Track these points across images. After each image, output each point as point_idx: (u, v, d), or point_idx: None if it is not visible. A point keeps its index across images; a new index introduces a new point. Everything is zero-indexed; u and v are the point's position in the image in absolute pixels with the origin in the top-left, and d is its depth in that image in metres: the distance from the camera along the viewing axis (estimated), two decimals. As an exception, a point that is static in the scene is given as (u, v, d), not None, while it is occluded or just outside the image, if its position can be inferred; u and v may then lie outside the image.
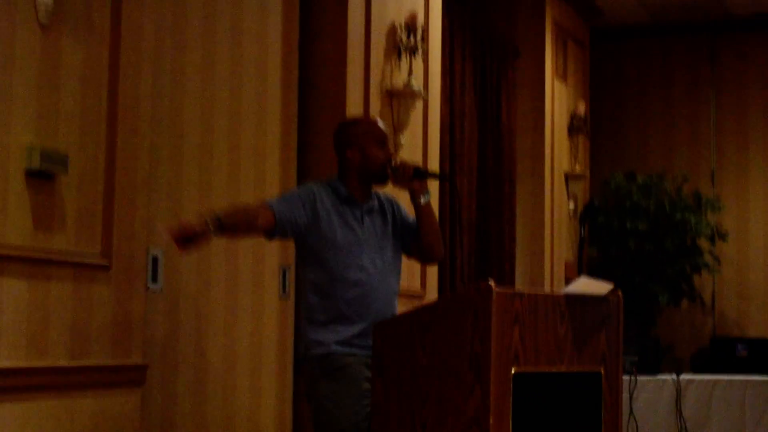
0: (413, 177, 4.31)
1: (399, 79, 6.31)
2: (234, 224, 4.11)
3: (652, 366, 8.08)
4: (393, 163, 4.33)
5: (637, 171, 10.20)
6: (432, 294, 6.59)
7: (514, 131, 8.85)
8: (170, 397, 4.79)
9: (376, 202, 4.35)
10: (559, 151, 9.47)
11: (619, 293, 4.22)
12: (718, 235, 9.96)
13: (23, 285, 3.82)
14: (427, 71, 6.74)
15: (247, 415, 5.07)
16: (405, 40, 6.27)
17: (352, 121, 4.66)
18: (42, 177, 3.92)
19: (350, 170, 4.32)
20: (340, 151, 4.37)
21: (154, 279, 4.68)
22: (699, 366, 9.64)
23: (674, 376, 7.88)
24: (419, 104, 6.58)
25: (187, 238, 3.94)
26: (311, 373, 4.19)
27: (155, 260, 4.69)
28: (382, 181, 4.36)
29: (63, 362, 3.99)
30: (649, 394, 7.82)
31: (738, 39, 10.50)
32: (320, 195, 4.24)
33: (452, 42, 7.74)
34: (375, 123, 4.47)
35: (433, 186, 6.74)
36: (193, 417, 4.86)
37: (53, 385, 3.95)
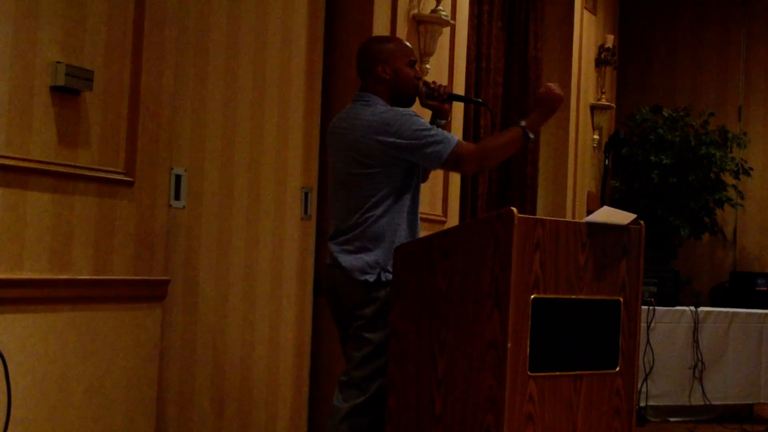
0: (447, 99, 4.30)
1: (427, 6, 6.27)
2: None
3: (670, 298, 8.10)
4: (431, 83, 4.31)
5: (663, 104, 10.15)
6: (453, 221, 6.61)
7: (541, 61, 8.80)
8: (191, 312, 4.85)
9: None
10: (585, 82, 9.42)
11: (642, 223, 4.22)
12: (742, 170, 9.92)
13: (47, 198, 3.85)
14: (455, -2, 6.70)
15: (267, 333, 5.12)
16: (434, -34, 6.22)
17: (380, 38, 4.55)
18: (67, 93, 3.93)
19: (381, 88, 4.23)
20: (369, 68, 4.26)
21: (177, 197, 4.71)
22: (718, 299, 9.65)
23: (692, 308, 7.90)
24: (446, 32, 6.54)
25: None
26: (384, 299, 4.09)
27: (178, 178, 4.71)
28: (410, 102, 4.30)
29: (85, 275, 4.03)
30: (666, 324, 7.85)
31: (771, -27, 10.37)
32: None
33: (481, -31, 7.66)
34: (404, 42, 4.41)
35: (458, 111, 6.72)
36: (213, 332, 4.92)
37: (75, 297, 3.99)
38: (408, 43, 4.41)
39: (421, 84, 4.29)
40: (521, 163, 8.48)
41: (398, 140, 4.04)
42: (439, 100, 4.31)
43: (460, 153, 4.06)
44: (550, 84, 4.29)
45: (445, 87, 4.34)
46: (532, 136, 4.15)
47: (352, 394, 4.10)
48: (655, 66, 10.68)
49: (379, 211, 4.11)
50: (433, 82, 4.35)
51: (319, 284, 5.42)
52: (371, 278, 4.08)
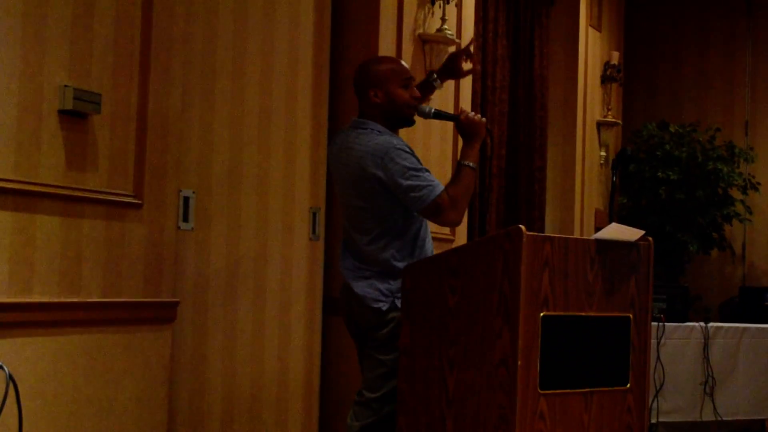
0: (433, 117, 4.25)
1: (432, 26, 6.28)
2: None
3: (680, 314, 8.08)
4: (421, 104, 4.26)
5: (670, 120, 10.15)
6: (461, 239, 6.60)
7: (547, 79, 8.81)
8: (201, 334, 4.85)
9: None
10: (591, 99, 9.42)
11: (650, 239, 4.21)
12: (750, 185, 9.91)
13: (56, 222, 3.86)
14: (461, 18, 6.71)
15: (276, 354, 5.11)
16: (439, -14, 6.23)
17: (373, 60, 4.47)
18: (75, 116, 3.95)
19: (374, 112, 4.20)
20: (361, 93, 4.24)
21: (185, 219, 4.72)
22: (727, 315, 9.62)
23: (702, 324, 7.89)
24: (452, 51, 6.54)
25: None
26: (397, 321, 4.08)
27: (186, 200, 4.73)
28: (408, 124, 4.28)
29: (95, 298, 4.04)
30: (676, 340, 7.82)
31: (775, -12, 10.38)
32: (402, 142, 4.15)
33: (486, -12, 7.69)
34: (398, 62, 4.33)
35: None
36: (222, 354, 4.92)
37: (85, 320, 4.00)
38: (403, 63, 4.32)
39: (413, 108, 4.21)
40: (529, 180, 8.49)
41: (385, 175, 4.02)
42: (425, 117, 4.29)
43: (441, 203, 3.99)
44: (464, 110, 4.24)
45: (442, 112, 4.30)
46: (474, 166, 4.11)
47: (365, 414, 4.10)
48: (661, 82, 10.69)
49: (385, 241, 4.11)
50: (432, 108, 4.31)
51: (329, 304, 5.42)
52: (384, 306, 4.09)
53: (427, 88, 4.56)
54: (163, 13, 4.33)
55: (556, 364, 3.83)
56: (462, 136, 4.17)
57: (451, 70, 4.58)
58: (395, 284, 4.09)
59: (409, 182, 4.00)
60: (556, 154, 9.05)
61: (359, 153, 4.08)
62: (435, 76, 4.56)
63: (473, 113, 4.16)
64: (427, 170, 4.07)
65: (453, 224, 4.20)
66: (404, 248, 4.12)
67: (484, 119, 4.15)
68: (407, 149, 4.07)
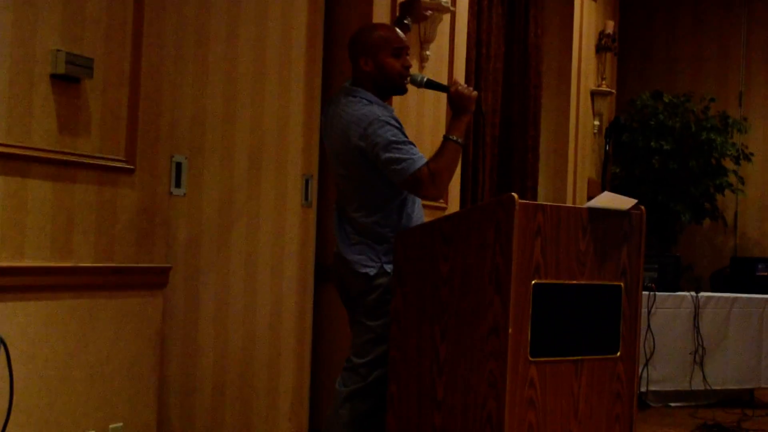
0: (426, 86, 4.22)
1: (426, -8, 6.26)
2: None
3: (671, 283, 8.11)
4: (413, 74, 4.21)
5: (664, 90, 10.14)
6: (454, 207, 6.61)
7: (542, 48, 8.79)
8: (192, 300, 4.86)
9: None
10: (585, 68, 9.41)
11: (642, 209, 4.22)
12: (743, 156, 9.93)
13: (48, 186, 3.85)
14: (455, -16, 6.69)
15: (268, 320, 5.12)
16: (434, -47, 6.20)
17: (366, 28, 4.41)
18: (67, 81, 3.93)
19: (365, 80, 4.17)
20: (353, 60, 4.21)
21: (178, 184, 4.72)
22: (718, 285, 9.66)
23: (693, 293, 7.91)
24: (447, 18, 6.53)
25: None
26: (385, 287, 4.09)
27: (179, 166, 4.72)
28: (400, 92, 4.25)
29: (87, 263, 4.04)
30: (667, 310, 7.85)
31: (772, -42, 10.35)
32: (391, 116, 4.09)
33: (481, -45, 7.65)
34: (391, 30, 4.26)
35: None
36: (214, 319, 4.93)
37: (77, 285, 4.00)
38: (398, 31, 4.26)
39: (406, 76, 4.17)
40: (522, 149, 8.49)
41: (366, 146, 4.00)
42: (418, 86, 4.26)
43: (420, 177, 3.94)
44: (457, 82, 4.17)
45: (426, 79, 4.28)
46: (461, 141, 4.05)
47: (353, 380, 4.12)
48: (655, 52, 10.68)
49: (369, 209, 4.11)
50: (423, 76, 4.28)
51: (321, 271, 5.43)
52: (372, 271, 4.10)
53: (401, 29, 4.48)
54: (156, -23, 4.31)
55: (547, 332, 3.84)
56: (451, 109, 4.13)
57: (413, 14, 4.55)
58: (382, 249, 4.09)
59: (388, 154, 3.97)
60: (549, 123, 9.05)
61: (345, 122, 4.07)
62: (408, 19, 4.51)
63: (465, 86, 4.11)
64: (411, 143, 4.02)
65: (433, 198, 4.16)
66: (389, 216, 4.12)
67: (475, 93, 4.09)
68: (393, 121, 4.04)
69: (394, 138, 3.98)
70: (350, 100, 4.13)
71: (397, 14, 4.98)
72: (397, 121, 4.07)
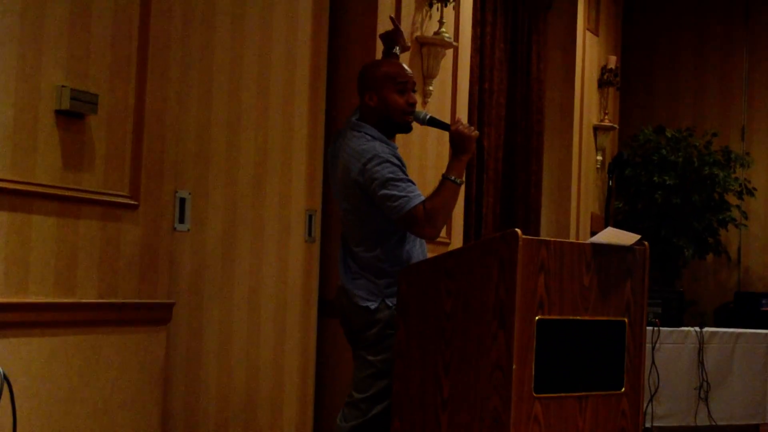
0: (428, 124, 4.21)
1: (430, 28, 6.29)
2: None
3: (675, 319, 8.09)
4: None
5: (666, 125, 10.16)
6: (457, 242, 6.61)
7: (544, 83, 8.82)
8: (196, 335, 4.85)
9: None
10: (588, 103, 9.44)
11: (646, 244, 4.22)
12: (746, 190, 9.93)
13: (52, 222, 3.85)
14: (458, 21, 6.72)
15: (271, 355, 5.11)
16: (436, -11, 6.24)
17: (373, 63, 4.42)
18: (72, 116, 3.94)
19: (369, 116, 4.16)
20: (360, 95, 4.21)
21: (181, 220, 4.72)
22: (722, 320, 9.64)
23: (697, 329, 7.89)
24: (449, 54, 6.56)
25: None
26: (385, 322, 4.08)
27: (183, 201, 4.73)
28: (404, 130, 4.24)
29: (90, 299, 4.03)
30: (671, 345, 7.83)
31: (772, -6, 10.39)
32: (392, 153, 4.07)
33: (483, -9, 7.69)
34: (396, 65, 4.24)
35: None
36: (218, 355, 4.92)
37: (80, 321, 4.00)
38: (404, 67, 4.25)
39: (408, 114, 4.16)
40: (524, 184, 8.49)
41: (365, 182, 4.00)
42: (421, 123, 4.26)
43: (416, 215, 3.93)
44: (459, 121, 4.15)
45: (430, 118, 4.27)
46: (460, 181, 4.04)
47: (354, 415, 4.10)
48: (657, 87, 10.70)
49: (370, 243, 4.10)
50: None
51: (324, 306, 5.42)
52: (372, 305, 4.09)
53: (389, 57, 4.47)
54: (160, 13, 4.34)
55: (551, 367, 3.83)
56: (452, 148, 4.12)
57: (398, 43, 4.51)
58: (383, 283, 4.09)
59: (385, 191, 3.96)
60: (552, 158, 9.06)
61: (347, 156, 4.08)
62: (396, 48, 4.46)
63: (466, 125, 4.09)
64: (410, 181, 4.01)
65: (428, 238, 4.13)
66: (389, 252, 4.11)
67: (476, 133, 4.08)
68: (393, 159, 4.03)
69: (391, 175, 3.98)
70: (354, 134, 4.13)
71: (424, 71, 5.00)
72: (398, 159, 4.07)
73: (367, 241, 4.11)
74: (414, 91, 4.22)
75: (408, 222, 3.98)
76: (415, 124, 4.26)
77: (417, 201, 3.95)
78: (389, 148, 4.09)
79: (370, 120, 4.17)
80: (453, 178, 4.02)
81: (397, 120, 4.17)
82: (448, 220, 4.09)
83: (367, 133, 4.12)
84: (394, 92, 4.15)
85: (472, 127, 4.11)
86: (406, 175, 4.04)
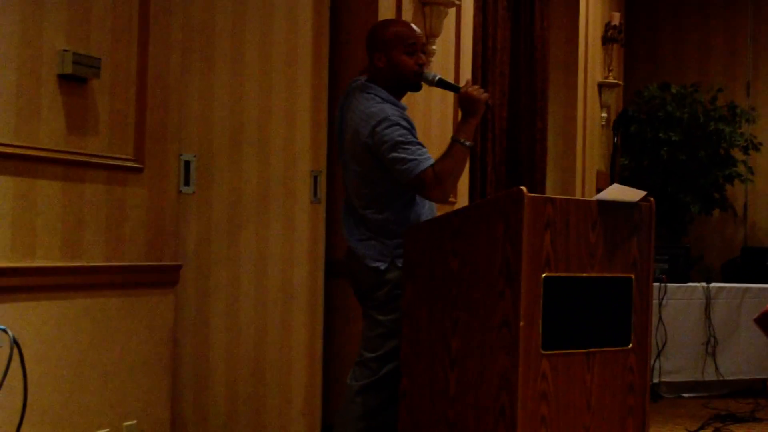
0: (437, 85, 4.19)
1: (432, -14, 6.25)
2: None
3: (682, 275, 8.10)
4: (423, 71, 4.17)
5: (671, 81, 10.12)
6: (463, 202, 6.60)
7: (548, 40, 8.77)
8: (203, 298, 4.86)
9: None
10: (592, 60, 9.40)
11: (652, 200, 4.21)
12: (752, 145, 9.90)
13: (57, 187, 3.86)
14: (461, -22, 6.68)
15: (279, 316, 5.13)
16: (439, -53, 6.20)
17: (383, 23, 4.40)
18: (74, 81, 3.94)
19: (378, 76, 4.16)
20: (368, 55, 4.20)
21: (186, 182, 4.73)
22: (729, 275, 9.64)
23: (704, 284, 7.90)
24: (452, 13, 6.52)
25: None
26: (395, 282, 4.08)
27: (187, 164, 4.73)
28: (413, 89, 4.23)
29: (98, 262, 4.05)
30: (678, 301, 7.85)
31: (778, -53, 10.32)
32: (401, 115, 4.06)
33: (486, -52, 7.65)
34: (406, 26, 4.24)
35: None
36: (226, 317, 4.94)
37: (88, 284, 4.01)
38: (413, 27, 4.23)
39: (418, 74, 4.14)
40: (529, 142, 8.48)
41: (374, 144, 3.99)
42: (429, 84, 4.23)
43: (425, 179, 3.93)
44: (468, 83, 4.14)
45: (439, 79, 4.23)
46: (469, 144, 4.03)
47: (364, 374, 4.12)
48: (662, 43, 10.65)
49: (380, 205, 4.10)
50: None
51: (331, 266, 5.43)
52: (382, 266, 4.09)
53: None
54: (161, -24, 4.32)
55: (559, 324, 3.84)
56: (461, 110, 4.12)
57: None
58: (393, 244, 4.09)
59: (394, 154, 3.96)
60: (557, 116, 9.04)
61: (357, 118, 4.07)
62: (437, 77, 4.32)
63: (476, 87, 4.08)
64: (420, 144, 4.01)
65: (438, 201, 4.12)
66: (400, 212, 4.11)
67: (485, 95, 4.07)
68: (402, 121, 4.02)
69: (401, 138, 3.97)
70: (364, 96, 4.12)
71: (427, 29, 4.93)
72: (408, 121, 4.06)
73: (376, 204, 4.11)
74: (424, 52, 4.20)
75: (417, 185, 3.98)
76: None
77: (426, 164, 3.94)
78: (399, 110, 4.08)
79: (379, 81, 4.16)
80: (462, 140, 4.02)
81: (406, 81, 4.16)
82: (457, 183, 4.08)
83: (376, 95, 4.11)
84: (403, 53, 4.13)
85: (482, 90, 4.10)
86: (416, 137, 4.03)
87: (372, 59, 4.18)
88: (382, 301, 4.11)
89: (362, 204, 4.14)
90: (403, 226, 4.10)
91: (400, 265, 4.08)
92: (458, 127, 4.08)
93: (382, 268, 4.09)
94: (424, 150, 4.00)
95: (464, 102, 4.08)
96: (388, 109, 4.04)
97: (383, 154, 3.98)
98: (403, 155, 3.95)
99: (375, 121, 4.00)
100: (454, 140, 4.03)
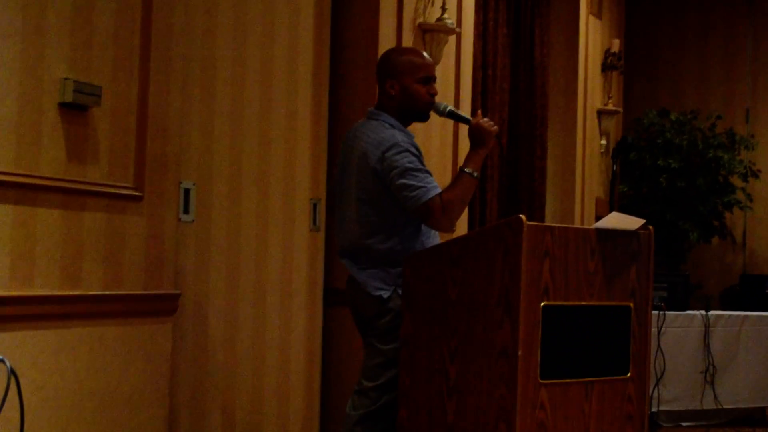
0: (447, 116, 4.21)
1: (432, 14, 6.28)
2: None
3: (681, 302, 8.09)
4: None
5: (670, 108, 10.14)
6: (462, 229, 6.61)
7: (548, 68, 8.80)
8: (202, 326, 4.86)
9: None
10: (592, 87, 9.42)
11: (650, 228, 4.21)
12: (751, 173, 9.91)
13: (57, 215, 3.86)
14: (461, 7, 6.71)
15: (277, 345, 5.12)
16: (438, -25, 6.24)
17: (397, 50, 4.41)
18: (75, 109, 3.95)
19: (389, 104, 4.16)
20: (380, 82, 4.19)
21: (186, 210, 4.73)
22: (728, 303, 9.64)
23: (703, 312, 7.90)
24: (452, 40, 6.55)
25: None
26: (396, 311, 4.07)
27: (187, 192, 4.73)
28: (422, 119, 4.24)
29: (96, 290, 4.04)
30: (677, 329, 7.83)
31: (776, -26, 10.37)
32: (411, 143, 4.07)
33: (486, -23, 7.68)
34: (420, 55, 4.22)
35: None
36: (224, 345, 4.93)
37: (87, 313, 4.01)
38: (426, 56, 4.24)
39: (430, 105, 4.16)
40: (529, 170, 8.49)
41: (383, 171, 4.00)
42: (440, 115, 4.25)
43: (432, 207, 3.94)
44: (479, 115, 4.15)
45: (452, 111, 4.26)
46: (477, 175, 4.06)
47: (363, 404, 4.11)
48: (661, 70, 10.68)
49: (386, 233, 4.08)
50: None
51: (330, 295, 5.43)
52: (385, 294, 4.08)
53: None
54: (163, 5, 4.34)
55: (557, 353, 3.84)
56: (470, 141, 4.13)
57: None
58: (396, 272, 4.08)
59: (403, 180, 3.96)
60: (556, 143, 9.05)
61: (365, 144, 4.06)
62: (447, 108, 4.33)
63: (486, 120, 4.10)
64: (428, 172, 4.02)
65: (444, 230, 4.12)
66: (405, 242, 4.10)
67: (496, 128, 4.09)
68: (412, 149, 4.03)
69: (410, 165, 3.98)
70: (373, 123, 4.13)
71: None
72: (416, 149, 4.06)
73: (381, 232, 4.08)
74: (434, 81, 4.21)
75: (424, 213, 3.98)
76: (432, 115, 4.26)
77: (434, 192, 3.95)
78: (408, 137, 4.10)
79: (388, 108, 4.16)
80: (470, 171, 4.04)
81: (417, 110, 4.18)
82: (462, 212, 4.09)
83: (385, 121, 4.12)
84: (416, 82, 4.14)
85: (492, 122, 4.11)
86: (424, 165, 4.04)
87: (383, 86, 4.18)
88: (383, 330, 4.10)
89: (366, 232, 4.11)
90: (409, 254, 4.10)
91: (400, 293, 4.08)
92: (467, 158, 4.10)
93: (385, 296, 4.08)
94: (431, 178, 4.01)
95: (475, 134, 4.09)
96: (399, 136, 4.05)
97: (392, 180, 3.99)
98: (411, 182, 3.96)
99: (385, 146, 4.01)
100: (462, 170, 4.04)
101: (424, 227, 4.14)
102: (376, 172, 4.02)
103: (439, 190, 3.97)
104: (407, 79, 4.13)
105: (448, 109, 4.20)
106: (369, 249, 4.11)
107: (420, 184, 3.96)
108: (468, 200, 4.08)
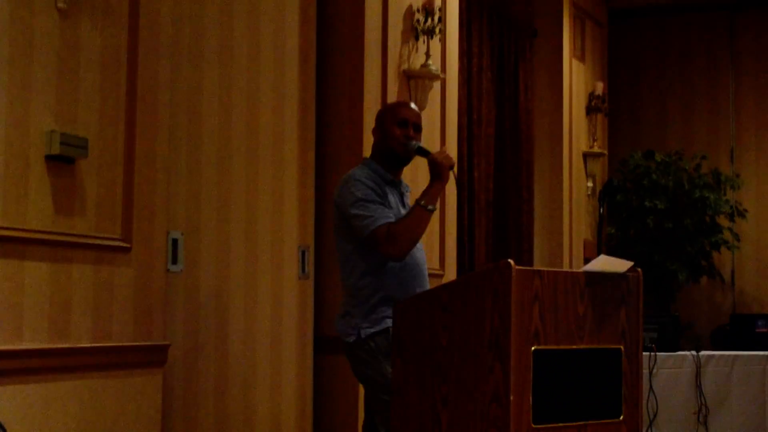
0: (416, 153, 4.29)
1: (417, 61, 6.31)
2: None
3: (671, 343, 8.07)
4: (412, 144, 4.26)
5: (655, 149, 10.19)
6: (451, 273, 6.61)
7: (532, 111, 8.85)
8: (192, 377, 4.83)
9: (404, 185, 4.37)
10: (577, 130, 9.46)
11: (639, 270, 4.22)
12: (737, 212, 9.94)
13: (45, 268, 3.85)
14: (445, 53, 6.75)
15: (268, 394, 5.10)
16: (422, 22, 6.27)
17: (388, 104, 4.65)
18: (62, 161, 3.95)
19: (374, 151, 4.32)
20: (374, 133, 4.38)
21: (174, 261, 4.72)
22: (719, 342, 9.63)
23: (694, 353, 7.88)
24: (437, 86, 6.58)
25: None
26: (368, 352, 4.13)
27: (175, 242, 4.73)
28: (402, 161, 4.31)
29: (85, 343, 4.02)
30: (668, 370, 7.81)
31: (757, 16, 10.45)
32: (376, 182, 4.17)
33: (470, 23, 7.73)
34: (399, 103, 4.44)
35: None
36: (214, 396, 4.90)
37: (76, 366, 3.98)
38: (411, 106, 4.39)
39: (405, 146, 4.25)
40: (516, 213, 8.50)
41: (341, 204, 4.14)
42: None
43: (378, 235, 4.04)
44: (441, 150, 4.29)
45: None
46: (431, 208, 4.14)
47: None
48: (645, 111, 10.74)
49: (358, 273, 4.16)
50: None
51: (320, 343, 5.41)
52: (351, 339, 4.13)
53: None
54: (148, 56, 4.35)
55: (549, 397, 3.82)
56: (430, 175, 4.23)
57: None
58: (360, 317, 4.13)
59: (354, 211, 4.09)
60: (543, 186, 9.08)
61: (337, 186, 4.22)
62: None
63: (443, 153, 4.22)
64: (381, 204, 4.11)
65: (392, 258, 4.15)
66: (380, 280, 4.14)
67: (450, 161, 4.18)
68: (370, 182, 4.14)
69: (363, 196, 4.10)
70: (355, 168, 4.25)
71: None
72: (373, 182, 4.15)
73: (355, 271, 4.16)
74: (417, 131, 4.30)
75: (372, 241, 4.08)
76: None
77: (381, 222, 4.05)
78: (375, 177, 4.19)
79: (375, 154, 4.32)
80: (423, 203, 4.12)
81: (393, 150, 4.26)
82: (413, 244, 4.15)
83: (365, 165, 4.26)
84: (394, 125, 4.27)
85: (449, 155, 4.22)
86: (380, 198, 4.13)
87: (372, 134, 4.35)
88: (367, 377, 4.14)
89: (344, 273, 4.21)
90: (376, 295, 4.11)
91: (364, 335, 4.11)
92: (423, 191, 4.19)
93: (351, 341, 4.15)
94: (384, 210, 4.11)
95: (431, 166, 4.20)
96: (359, 172, 4.18)
97: (346, 211, 4.12)
98: (361, 212, 4.08)
99: (343, 182, 4.18)
100: (417, 203, 4.13)
101: (400, 265, 4.16)
102: (337, 205, 4.17)
103: (388, 220, 4.07)
104: (387, 124, 4.29)
105: (417, 145, 4.30)
106: (347, 290, 4.21)
107: (369, 213, 4.07)
108: (419, 231, 4.15)
